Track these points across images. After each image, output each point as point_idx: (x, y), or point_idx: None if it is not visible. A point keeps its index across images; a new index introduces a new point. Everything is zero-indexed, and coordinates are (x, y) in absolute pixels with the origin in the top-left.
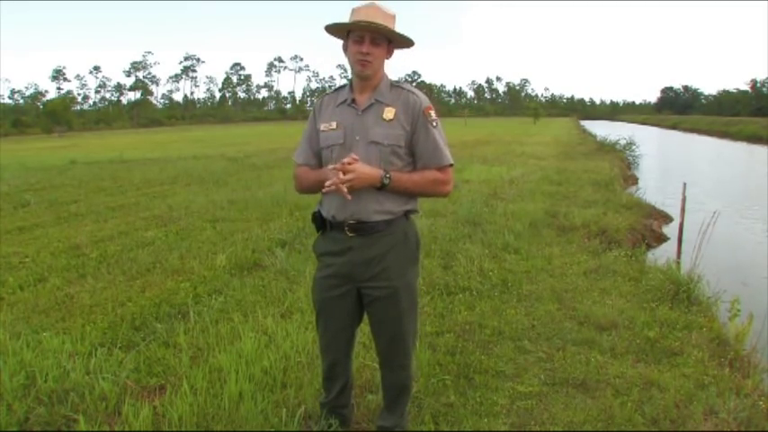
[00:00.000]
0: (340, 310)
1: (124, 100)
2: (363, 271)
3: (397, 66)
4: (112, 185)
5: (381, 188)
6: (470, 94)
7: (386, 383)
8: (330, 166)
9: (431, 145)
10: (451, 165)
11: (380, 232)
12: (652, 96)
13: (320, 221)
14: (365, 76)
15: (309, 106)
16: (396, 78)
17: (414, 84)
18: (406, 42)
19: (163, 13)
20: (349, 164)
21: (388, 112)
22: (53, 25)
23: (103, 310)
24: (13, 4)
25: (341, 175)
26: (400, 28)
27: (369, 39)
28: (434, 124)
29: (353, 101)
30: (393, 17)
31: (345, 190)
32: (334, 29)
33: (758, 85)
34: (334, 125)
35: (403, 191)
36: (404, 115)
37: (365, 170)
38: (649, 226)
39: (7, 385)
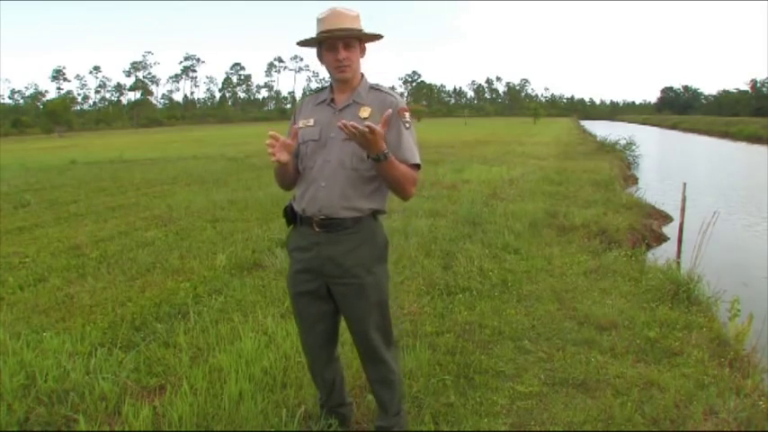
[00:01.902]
0: (312, 305)
1: (124, 100)
2: (331, 267)
3: (397, 66)
4: (112, 185)
5: (378, 160)
6: (470, 94)
7: (370, 380)
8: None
9: (401, 143)
10: (419, 166)
11: (348, 229)
12: (652, 96)
13: (291, 215)
14: (345, 79)
15: None
16: (396, 79)
17: (414, 84)
18: (376, 37)
19: (163, 13)
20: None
21: (364, 111)
22: (53, 25)
23: (103, 310)
24: (13, 4)
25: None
26: (393, 28)
27: (342, 45)
28: (407, 126)
29: (332, 100)
30: (357, 16)
31: (361, 128)
32: (306, 41)
33: (758, 85)
34: (311, 122)
35: (392, 171)
36: (379, 114)
37: (380, 135)
38: (649, 226)
39: (7, 385)
